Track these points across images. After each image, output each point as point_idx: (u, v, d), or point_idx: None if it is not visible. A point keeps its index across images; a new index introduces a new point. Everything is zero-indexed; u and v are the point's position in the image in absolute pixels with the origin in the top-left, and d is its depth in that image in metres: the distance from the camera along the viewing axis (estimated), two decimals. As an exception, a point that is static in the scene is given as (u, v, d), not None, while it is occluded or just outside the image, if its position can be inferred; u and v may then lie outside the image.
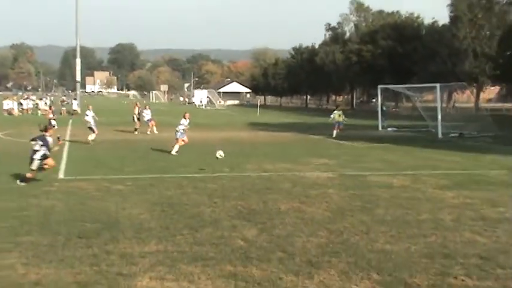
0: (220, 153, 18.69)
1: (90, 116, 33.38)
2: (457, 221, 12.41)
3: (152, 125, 39.18)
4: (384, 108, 58.56)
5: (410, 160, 24.20)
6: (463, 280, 8.48)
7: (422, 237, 10.90)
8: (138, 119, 40.37)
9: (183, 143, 25.77)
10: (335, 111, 39.60)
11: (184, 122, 26.22)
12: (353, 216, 12.79)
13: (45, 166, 17.46)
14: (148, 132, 38.29)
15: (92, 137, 31.60)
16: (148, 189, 16.11)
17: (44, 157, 17.33)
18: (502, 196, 15.43)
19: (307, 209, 13.58)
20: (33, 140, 17.71)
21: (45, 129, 18.24)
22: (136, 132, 38.56)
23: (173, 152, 25.04)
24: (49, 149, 17.73)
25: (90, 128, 32.47)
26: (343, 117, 38.96)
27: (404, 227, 11.76)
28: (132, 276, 8.46)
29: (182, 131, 25.94)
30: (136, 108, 41.13)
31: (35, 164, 17.14)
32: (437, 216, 12.80)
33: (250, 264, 9.09)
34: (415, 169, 20.94)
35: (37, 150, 17.27)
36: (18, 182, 16.99)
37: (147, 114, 40.15)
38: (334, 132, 37.23)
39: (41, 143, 17.34)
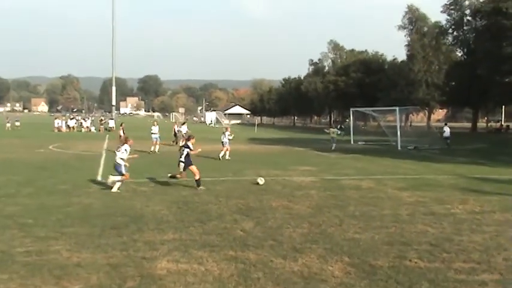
0: (260, 179, 17.75)
1: (156, 131, 33.82)
2: (412, 215, 12.37)
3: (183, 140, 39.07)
4: (343, 127, 59.16)
5: (375, 167, 24.15)
6: (416, 262, 8.45)
7: (384, 229, 10.86)
8: (175, 135, 40.17)
9: (227, 150, 27.46)
10: (331, 129, 39.51)
11: (228, 135, 28.03)
12: (329, 212, 12.74)
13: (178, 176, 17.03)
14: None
15: (156, 148, 32.65)
16: (167, 190, 16.05)
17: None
18: (448, 196, 15.41)
19: (294, 206, 13.54)
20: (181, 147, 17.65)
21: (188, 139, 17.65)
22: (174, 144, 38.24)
23: (227, 157, 26.89)
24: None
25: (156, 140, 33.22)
26: (337, 133, 39.00)
27: (370, 220, 11.73)
28: (153, 259, 8.42)
29: (228, 140, 27.92)
30: (176, 126, 41.41)
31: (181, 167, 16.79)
32: (396, 212, 12.77)
33: (248, 250, 9.05)
34: (379, 174, 20.90)
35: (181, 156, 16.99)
36: (168, 175, 17.37)
37: (183, 130, 39.96)
38: (333, 145, 36.90)
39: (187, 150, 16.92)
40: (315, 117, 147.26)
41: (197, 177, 16.42)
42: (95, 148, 34.66)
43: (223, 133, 28.72)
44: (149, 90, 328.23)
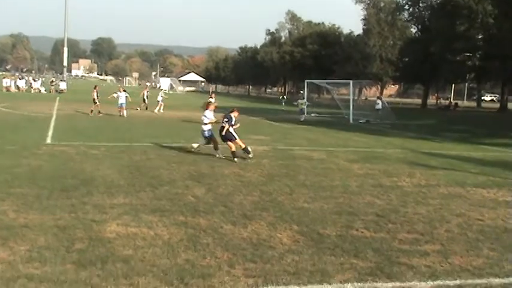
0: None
1: (123, 96, 32.68)
2: (361, 187, 12.59)
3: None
4: (286, 97, 60.36)
5: (327, 139, 24.44)
6: (362, 232, 8.63)
7: (333, 199, 11.03)
8: (144, 100, 38.98)
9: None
10: (299, 101, 39.77)
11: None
12: (280, 181, 12.86)
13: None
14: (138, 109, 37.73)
15: (125, 113, 32.11)
16: (118, 154, 15.86)
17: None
18: (396, 169, 15.71)
19: (245, 174, 13.60)
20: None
21: (207, 107, 17.26)
22: (139, 109, 37.61)
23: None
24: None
25: (121, 105, 32.37)
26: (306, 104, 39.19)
27: (319, 190, 11.88)
28: (103, 222, 8.35)
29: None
30: (145, 91, 40.33)
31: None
32: (345, 183, 12.97)
33: (198, 216, 9.08)
34: (331, 146, 21.15)
35: (223, 127, 16.26)
36: (235, 160, 15.60)
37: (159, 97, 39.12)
38: (302, 117, 37.24)
39: (226, 119, 16.38)
40: (270, 88, 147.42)
41: (233, 149, 15.98)
42: (44, 110, 33.88)
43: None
44: (102, 53, 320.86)
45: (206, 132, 16.82)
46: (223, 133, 16.36)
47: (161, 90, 45.58)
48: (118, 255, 6.89)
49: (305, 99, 40.34)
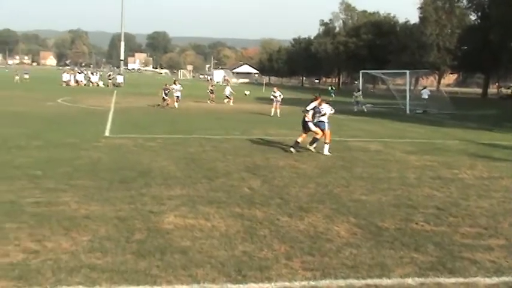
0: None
1: (177, 89, 34.21)
2: (419, 179, 12.33)
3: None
4: (334, 88, 60.46)
5: (384, 130, 24.07)
6: (422, 225, 8.44)
7: (391, 191, 10.85)
8: (212, 92, 40.57)
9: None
10: (355, 93, 40.33)
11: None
12: (336, 173, 12.73)
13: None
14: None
15: (176, 104, 33.34)
16: (174, 146, 16.07)
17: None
18: (456, 161, 15.34)
19: (301, 165, 13.54)
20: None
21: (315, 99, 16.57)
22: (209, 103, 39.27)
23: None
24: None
25: (177, 97, 33.98)
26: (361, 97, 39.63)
27: (377, 182, 11.71)
28: (160, 214, 8.46)
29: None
30: (210, 85, 41.42)
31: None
32: (403, 175, 12.73)
33: (254, 208, 9.08)
34: (387, 137, 20.83)
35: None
36: (291, 149, 15.66)
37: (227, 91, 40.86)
38: (355, 108, 37.96)
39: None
40: (323, 79, 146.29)
41: (318, 136, 15.96)
42: (103, 103, 34.67)
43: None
44: (158, 46, 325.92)
45: (326, 124, 16.07)
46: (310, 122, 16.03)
47: (227, 83, 46.86)
48: (176, 246, 6.96)
49: (360, 92, 40.11)
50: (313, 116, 16.23)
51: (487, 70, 72.83)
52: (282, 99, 31.40)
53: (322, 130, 15.99)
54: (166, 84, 35.11)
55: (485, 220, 8.90)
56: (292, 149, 15.71)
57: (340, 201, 9.78)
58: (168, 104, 33.25)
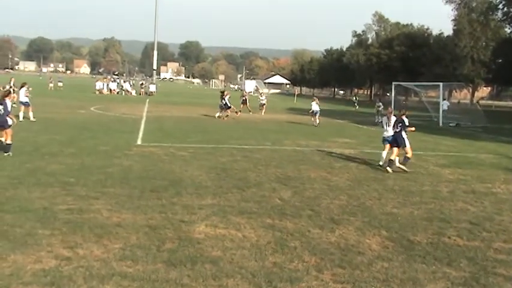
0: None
1: (226, 99, 33.40)
2: (452, 193, 12.17)
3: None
4: (357, 98, 60.98)
5: (416, 143, 23.67)
6: (455, 240, 8.33)
7: (423, 204, 10.72)
8: (244, 102, 39.98)
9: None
10: (377, 104, 40.05)
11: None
12: (368, 185, 12.64)
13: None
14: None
15: (226, 113, 33.04)
16: (206, 156, 16.14)
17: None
18: (490, 175, 15.10)
19: (332, 177, 13.47)
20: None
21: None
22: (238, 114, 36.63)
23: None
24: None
25: (227, 106, 33.28)
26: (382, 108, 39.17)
27: (409, 195, 11.59)
28: (191, 223, 8.50)
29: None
30: (227, 95, 41.25)
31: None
32: (436, 188, 12.58)
33: (285, 219, 9.06)
34: (419, 150, 20.53)
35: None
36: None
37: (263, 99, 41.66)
38: (376, 118, 37.40)
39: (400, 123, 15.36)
40: (355, 90, 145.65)
41: (394, 157, 15.05)
42: (135, 111, 35.05)
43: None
44: (190, 56, 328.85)
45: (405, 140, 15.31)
46: (392, 137, 15.44)
47: (261, 93, 46.89)
48: (207, 256, 6.99)
49: (381, 103, 40.11)
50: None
51: (522, 83, 71.64)
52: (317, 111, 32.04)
53: (399, 146, 15.29)
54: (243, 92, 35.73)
55: (520, 236, 8.73)
56: (390, 169, 14.73)
57: (372, 214, 9.70)
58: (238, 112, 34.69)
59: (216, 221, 8.71)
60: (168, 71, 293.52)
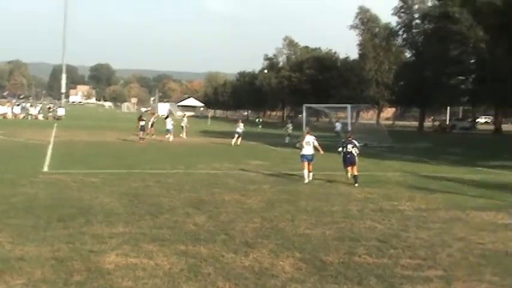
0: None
1: (185, 122, 37.53)
2: (361, 211, 12.46)
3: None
4: (261, 119, 63.65)
5: (327, 163, 24.20)
6: (365, 258, 8.48)
7: (334, 224, 10.88)
8: (152, 126, 38.21)
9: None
10: (288, 125, 42.93)
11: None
12: (281, 206, 12.71)
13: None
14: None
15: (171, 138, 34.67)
16: (117, 182, 15.70)
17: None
18: (396, 193, 15.61)
19: (246, 200, 13.45)
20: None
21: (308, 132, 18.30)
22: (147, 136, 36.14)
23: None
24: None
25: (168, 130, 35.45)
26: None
27: (320, 215, 11.74)
28: (101, 253, 8.16)
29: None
30: (154, 116, 40.39)
31: None
32: (346, 208, 12.84)
33: (199, 244, 8.91)
34: (330, 170, 20.96)
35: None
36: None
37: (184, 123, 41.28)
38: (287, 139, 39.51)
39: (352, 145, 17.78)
40: (268, 112, 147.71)
41: (356, 173, 17.21)
42: (42, 136, 33.76)
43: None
44: (101, 78, 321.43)
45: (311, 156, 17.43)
46: (349, 156, 17.49)
47: (184, 115, 46.23)
48: (117, 287, 6.72)
49: (290, 125, 42.72)
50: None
51: (422, 104, 75.19)
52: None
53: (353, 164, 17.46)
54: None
55: (424, 251, 9.04)
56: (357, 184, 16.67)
57: (285, 236, 9.73)
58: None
59: (128, 249, 8.42)
60: (78, 94, 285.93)
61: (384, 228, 10.68)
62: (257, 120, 72.75)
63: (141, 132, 32.86)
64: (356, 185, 16.59)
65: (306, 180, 16.91)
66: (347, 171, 17.54)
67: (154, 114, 44.33)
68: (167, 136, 36.18)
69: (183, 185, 15.45)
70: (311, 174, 17.30)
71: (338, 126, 44.30)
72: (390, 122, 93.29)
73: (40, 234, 9.13)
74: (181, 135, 39.09)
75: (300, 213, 11.98)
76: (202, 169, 19.85)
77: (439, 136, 60.04)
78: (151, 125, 38.19)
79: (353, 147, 17.59)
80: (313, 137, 18.03)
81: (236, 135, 33.32)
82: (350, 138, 18.37)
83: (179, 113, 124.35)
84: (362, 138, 40.35)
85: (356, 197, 14.53)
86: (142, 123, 33.06)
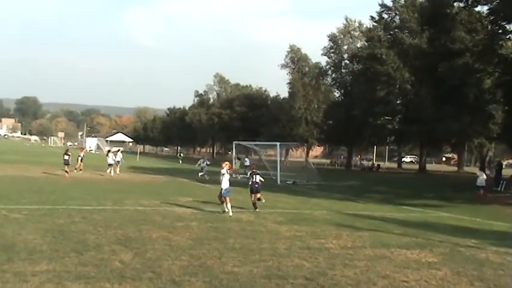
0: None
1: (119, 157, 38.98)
2: (289, 249, 12.60)
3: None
4: (182, 155, 65.13)
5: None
6: (292, 296, 8.59)
7: (262, 262, 10.96)
8: (81, 160, 37.75)
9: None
10: (200, 160, 44.31)
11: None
12: (210, 244, 12.69)
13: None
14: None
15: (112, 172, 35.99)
16: (42, 218, 15.24)
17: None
18: (324, 230, 15.87)
19: (174, 237, 13.35)
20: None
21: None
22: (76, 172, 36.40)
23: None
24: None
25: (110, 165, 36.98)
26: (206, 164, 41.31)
27: (249, 253, 11.80)
28: (23, 292, 7.92)
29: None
30: (83, 151, 39.60)
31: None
32: (274, 245, 12.95)
33: (125, 282, 8.77)
34: (259, 208, 21.14)
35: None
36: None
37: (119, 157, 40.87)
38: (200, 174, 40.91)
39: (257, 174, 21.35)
40: (198, 148, 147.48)
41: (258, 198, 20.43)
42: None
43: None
44: (27, 111, 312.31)
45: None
46: (257, 186, 20.66)
47: (118, 150, 45.07)
48: (39, 327, 6.53)
49: (204, 159, 45.07)
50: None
51: (350, 143, 77.20)
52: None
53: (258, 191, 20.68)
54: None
55: (350, 289, 9.24)
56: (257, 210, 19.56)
57: (213, 274, 9.72)
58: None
59: (51, 288, 8.19)
60: (3, 128, 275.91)
61: (311, 266, 10.83)
62: (178, 155, 74.37)
63: (66, 166, 33.93)
64: (257, 210, 19.79)
65: (230, 213, 18.18)
66: (252, 197, 20.49)
67: (83, 149, 43.63)
68: (108, 171, 37.14)
69: (110, 222, 15.17)
70: (226, 206, 18.45)
71: (247, 161, 47.07)
72: (320, 160, 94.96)
73: (-42, 273, 8.75)
74: (111, 172, 37.91)
75: (228, 250, 12.00)
76: (130, 205, 19.56)
77: (366, 174, 61.68)
78: (80, 159, 37.69)
79: (259, 178, 20.89)
80: (226, 168, 19.02)
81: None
82: (255, 170, 21.57)
83: (107, 148, 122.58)
84: (291, 176, 41.17)
85: (284, 235, 14.69)
86: (66, 157, 34.21)
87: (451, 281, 10.25)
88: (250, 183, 20.94)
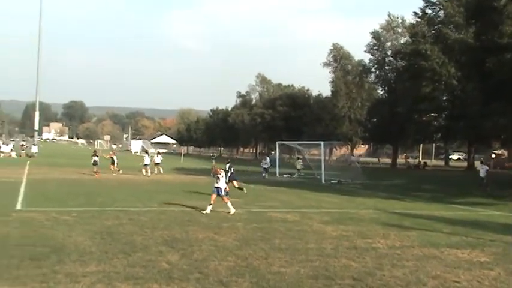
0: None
1: (159, 159, 40.63)
2: (336, 249, 12.51)
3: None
4: (215, 154, 64.92)
5: (300, 200, 24.42)
6: (340, 297, 8.52)
7: (309, 262, 10.91)
8: (112, 163, 38.87)
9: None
10: (263, 161, 44.62)
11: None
12: (256, 244, 12.70)
13: None
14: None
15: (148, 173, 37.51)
16: (90, 220, 15.56)
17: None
18: (370, 230, 15.72)
19: (220, 238, 13.42)
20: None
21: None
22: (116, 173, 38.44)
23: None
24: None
25: (146, 165, 38.00)
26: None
27: (295, 253, 11.76)
28: (74, 293, 8.08)
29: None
30: (110, 155, 40.52)
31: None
32: (320, 245, 12.88)
33: (173, 283, 8.86)
34: (304, 207, 21.11)
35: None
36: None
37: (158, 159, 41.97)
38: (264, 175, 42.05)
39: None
40: (241, 149, 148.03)
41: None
42: (15, 174, 33.28)
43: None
44: (74, 116, 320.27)
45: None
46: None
47: (157, 152, 46.58)
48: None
49: (268, 160, 43.81)
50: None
51: (395, 141, 76.11)
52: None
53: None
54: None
55: (400, 290, 9.10)
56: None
57: (260, 274, 9.72)
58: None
59: (101, 289, 8.34)
60: (51, 132, 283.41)
61: (359, 267, 10.72)
62: (211, 155, 74.45)
63: (95, 167, 36.23)
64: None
65: (208, 211, 18.24)
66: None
67: (112, 152, 44.21)
68: (144, 172, 38.11)
69: (156, 223, 15.37)
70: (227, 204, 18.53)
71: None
72: (364, 159, 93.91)
73: (12, 274, 9.01)
74: (156, 171, 39.94)
75: (275, 251, 11.99)
76: (175, 207, 19.76)
77: (412, 173, 60.71)
78: (112, 162, 38.91)
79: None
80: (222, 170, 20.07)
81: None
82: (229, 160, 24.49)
83: (152, 150, 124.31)
84: (335, 175, 40.89)
85: (330, 235, 14.60)
86: (96, 158, 36.62)
87: (505, 281, 9.98)
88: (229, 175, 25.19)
